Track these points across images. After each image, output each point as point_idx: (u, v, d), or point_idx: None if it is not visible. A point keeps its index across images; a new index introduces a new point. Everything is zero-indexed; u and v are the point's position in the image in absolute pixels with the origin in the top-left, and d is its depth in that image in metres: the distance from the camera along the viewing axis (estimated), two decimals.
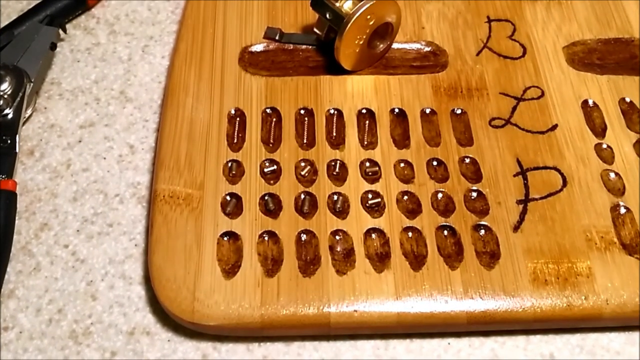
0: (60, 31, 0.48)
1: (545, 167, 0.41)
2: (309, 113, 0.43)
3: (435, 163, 0.41)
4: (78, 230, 0.41)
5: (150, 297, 0.39)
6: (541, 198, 0.39)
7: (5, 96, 0.43)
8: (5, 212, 0.40)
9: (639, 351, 0.37)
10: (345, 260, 0.37)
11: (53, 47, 0.47)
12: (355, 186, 0.40)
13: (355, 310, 0.36)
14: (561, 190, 0.40)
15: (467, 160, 0.41)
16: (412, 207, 0.39)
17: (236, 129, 0.42)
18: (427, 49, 0.46)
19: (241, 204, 0.39)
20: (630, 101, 0.43)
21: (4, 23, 0.48)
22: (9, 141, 0.42)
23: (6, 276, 0.39)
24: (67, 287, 0.39)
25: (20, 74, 0.44)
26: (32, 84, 0.45)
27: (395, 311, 0.36)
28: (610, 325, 0.37)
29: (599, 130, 0.42)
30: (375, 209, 0.39)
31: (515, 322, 0.36)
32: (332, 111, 0.43)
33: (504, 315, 0.36)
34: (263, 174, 0.40)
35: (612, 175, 0.40)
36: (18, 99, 0.44)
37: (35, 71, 0.45)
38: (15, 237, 0.40)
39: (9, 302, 0.38)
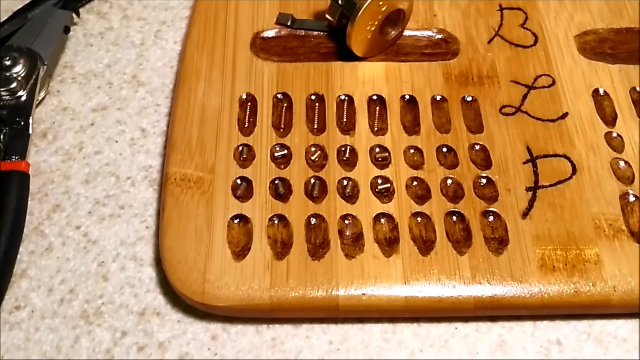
0: (74, 15, 0.49)
1: (556, 155, 0.41)
2: (320, 99, 0.43)
3: (445, 150, 0.41)
4: (90, 212, 0.41)
5: (161, 279, 0.39)
6: (551, 186, 0.40)
7: (20, 78, 0.44)
8: (19, 193, 0.40)
9: None
10: (354, 244, 0.38)
11: (67, 30, 0.47)
12: (365, 172, 0.40)
13: (364, 294, 0.36)
14: (571, 178, 0.40)
15: (477, 148, 0.41)
16: (421, 193, 0.40)
17: (247, 113, 0.43)
18: (439, 36, 0.46)
19: (252, 187, 0.39)
20: None
21: (19, 6, 0.48)
22: (22, 123, 0.43)
23: (19, 256, 0.39)
24: (79, 268, 0.39)
25: (34, 56, 0.45)
26: (45, 67, 0.45)
27: (403, 295, 0.36)
28: (618, 312, 0.37)
29: (610, 119, 0.42)
30: (385, 195, 0.39)
31: (523, 308, 0.36)
32: (343, 97, 0.43)
33: (512, 301, 0.36)
34: (274, 158, 0.41)
35: (622, 164, 0.40)
36: (32, 81, 0.44)
37: (48, 54, 0.45)
38: (28, 218, 0.41)
39: (21, 282, 0.39)
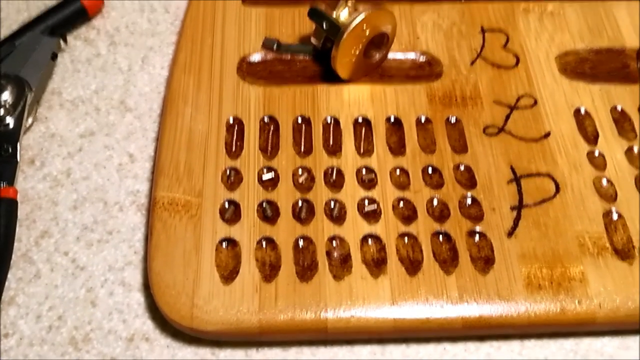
0: (61, 42, 0.49)
1: (539, 174, 0.41)
2: (306, 121, 0.44)
3: (430, 170, 0.42)
4: (78, 238, 0.41)
5: (149, 304, 0.39)
6: (535, 204, 0.40)
7: (7, 105, 0.44)
8: (6, 219, 0.40)
9: (635, 355, 0.38)
10: (342, 265, 0.38)
11: (54, 57, 0.48)
12: (351, 193, 0.40)
13: (352, 316, 0.36)
14: (554, 196, 0.40)
15: (462, 168, 0.42)
16: (407, 214, 0.40)
17: (234, 137, 0.43)
18: (422, 58, 0.47)
19: (239, 210, 0.40)
20: (622, 109, 0.44)
21: (6, 34, 0.49)
22: (10, 150, 0.43)
23: (7, 283, 0.39)
24: (67, 293, 0.39)
25: (21, 83, 0.45)
26: (33, 94, 0.45)
27: (391, 316, 0.36)
28: (604, 329, 0.38)
29: (591, 138, 0.43)
30: (372, 215, 0.40)
31: (510, 327, 0.37)
32: (329, 119, 0.44)
33: (499, 320, 0.36)
34: (261, 181, 0.41)
35: (605, 181, 0.41)
36: (19, 108, 0.44)
37: (36, 81, 0.46)
38: (15, 244, 0.41)
39: (9, 309, 0.39)
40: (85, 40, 0.51)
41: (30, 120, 0.45)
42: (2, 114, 0.43)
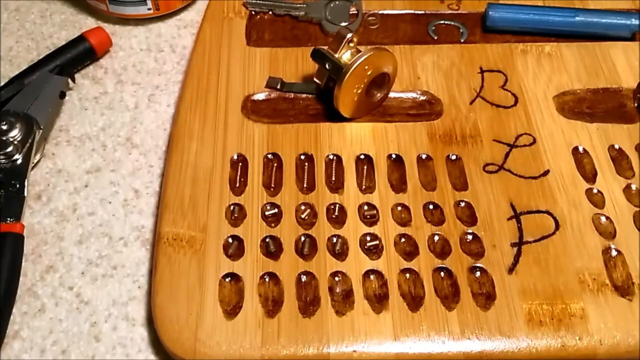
0: (70, 80, 0.50)
1: (539, 211, 0.42)
2: (309, 158, 0.44)
3: (431, 207, 0.42)
4: (83, 273, 0.42)
5: (152, 339, 0.39)
6: (535, 241, 0.41)
7: (16, 142, 0.45)
8: (13, 254, 0.41)
9: None
10: (344, 301, 0.38)
11: (62, 95, 0.49)
12: (354, 229, 0.41)
13: (355, 351, 0.36)
14: (554, 233, 0.41)
15: (463, 204, 0.42)
16: (409, 250, 0.40)
17: (238, 173, 0.44)
18: (423, 97, 0.48)
19: (243, 246, 0.40)
20: (620, 148, 0.45)
21: (16, 73, 0.50)
22: (17, 185, 0.44)
23: (12, 317, 0.40)
24: (72, 328, 0.40)
25: (30, 121, 0.46)
26: (41, 131, 0.46)
27: (393, 352, 0.36)
28: None
29: (590, 176, 0.44)
30: (374, 251, 0.40)
31: None
32: (331, 156, 0.44)
33: (500, 356, 0.36)
34: (264, 216, 0.42)
35: (603, 219, 0.42)
36: (27, 145, 0.45)
37: (44, 118, 0.47)
38: (21, 279, 0.41)
39: (13, 343, 0.39)
40: (93, 79, 0.52)
41: (38, 156, 0.46)
42: (11, 151, 0.44)
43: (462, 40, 0.52)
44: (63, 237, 0.43)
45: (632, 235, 0.41)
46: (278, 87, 0.48)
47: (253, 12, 0.53)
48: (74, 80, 0.51)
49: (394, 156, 0.45)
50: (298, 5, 0.53)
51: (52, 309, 0.40)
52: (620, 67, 0.49)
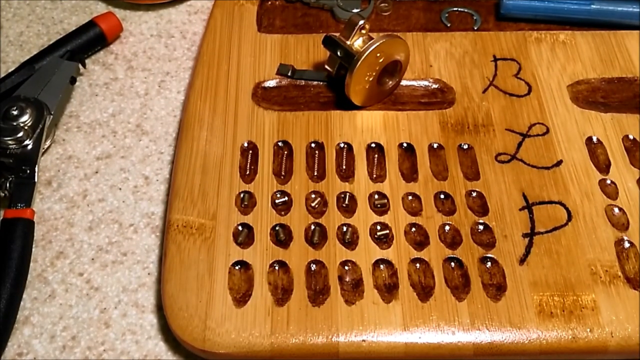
0: (80, 66, 0.50)
1: (551, 202, 0.41)
2: (320, 146, 0.44)
3: (442, 196, 0.42)
4: (93, 259, 0.42)
5: (162, 326, 0.39)
6: (547, 232, 0.40)
7: (26, 127, 0.45)
8: (23, 240, 0.41)
9: None
10: (354, 290, 0.38)
11: (73, 81, 0.49)
12: (364, 218, 0.41)
13: (364, 340, 0.36)
14: (566, 224, 0.41)
15: (474, 194, 0.42)
16: (419, 239, 0.40)
17: (249, 161, 0.43)
18: (435, 86, 0.48)
19: (252, 234, 0.40)
20: (634, 138, 0.44)
21: (26, 58, 0.50)
22: (28, 171, 0.44)
23: (22, 303, 0.40)
24: (81, 314, 0.40)
25: (40, 106, 0.46)
26: (51, 117, 0.46)
27: (403, 341, 0.36)
28: (615, 358, 0.38)
29: (603, 167, 0.43)
30: (384, 241, 0.40)
31: (521, 354, 0.37)
32: (342, 145, 0.44)
33: (510, 347, 0.36)
34: (274, 205, 0.41)
35: (616, 210, 0.41)
36: (38, 130, 0.45)
37: (55, 104, 0.47)
38: (31, 264, 0.41)
39: (24, 329, 0.39)
40: (104, 64, 0.52)
41: (48, 142, 0.46)
42: (21, 136, 0.44)
43: (475, 28, 0.51)
44: (73, 224, 0.43)
45: None
46: (289, 74, 0.48)
47: None
48: (84, 66, 0.51)
49: (405, 145, 0.44)
50: None
51: (62, 295, 0.40)
52: (636, 57, 0.49)
